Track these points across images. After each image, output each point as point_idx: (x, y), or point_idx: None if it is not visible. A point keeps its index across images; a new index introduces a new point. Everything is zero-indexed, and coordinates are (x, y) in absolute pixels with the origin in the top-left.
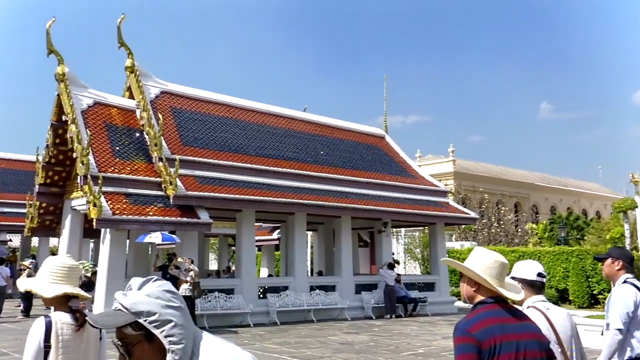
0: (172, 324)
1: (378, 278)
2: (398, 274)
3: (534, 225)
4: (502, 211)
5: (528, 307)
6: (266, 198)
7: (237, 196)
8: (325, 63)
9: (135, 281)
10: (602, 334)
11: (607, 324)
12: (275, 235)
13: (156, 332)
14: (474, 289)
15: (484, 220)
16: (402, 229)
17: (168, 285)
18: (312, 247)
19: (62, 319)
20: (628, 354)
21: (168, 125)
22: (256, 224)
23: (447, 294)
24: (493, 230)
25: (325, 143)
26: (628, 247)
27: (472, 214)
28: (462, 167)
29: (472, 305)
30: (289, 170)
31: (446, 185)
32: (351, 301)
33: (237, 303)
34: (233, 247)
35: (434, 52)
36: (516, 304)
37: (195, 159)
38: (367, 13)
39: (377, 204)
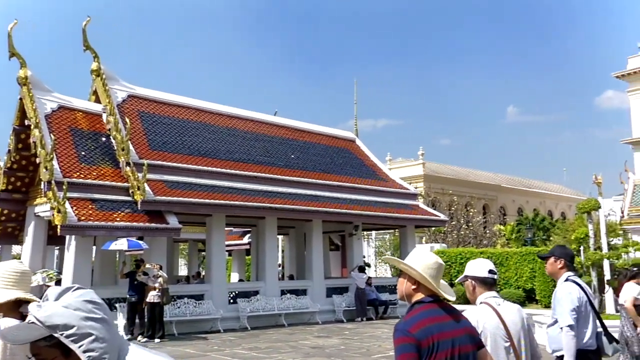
0: (92, 337)
1: (349, 281)
2: (369, 277)
3: (502, 227)
4: (471, 213)
5: (480, 302)
6: (236, 202)
7: (206, 201)
8: (296, 67)
9: (53, 291)
10: (547, 328)
11: (555, 320)
12: (245, 239)
13: (73, 347)
14: (413, 287)
15: (454, 222)
16: (373, 232)
17: (90, 294)
18: (283, 251)
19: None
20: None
21: (135, 130)
22: (226, 228)
23: None
24: (462, 232)
25: (296, 147)
26: (592, 248)
27: (442, 216)
28: (432, 170)
29: (410, 304)
30: (259, 174)
31: (416, 188)
32: (322, 305)
33: (207, 309)
34: (203, 252)
35: (404, 56)
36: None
37: (164, 163)
38: (337, 16)
39: (348, 207)
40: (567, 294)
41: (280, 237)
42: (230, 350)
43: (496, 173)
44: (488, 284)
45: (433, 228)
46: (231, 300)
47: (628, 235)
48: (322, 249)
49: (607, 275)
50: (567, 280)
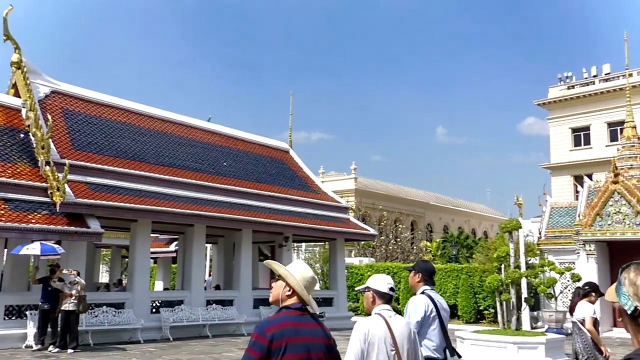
0: None
1: None
2: None
3: (428, 243)
4: (400, 229)
5: (375, 313)
6: (163, 208)
7: (131, 205)
8: (233, 76)
9: None
10: None
11: None
12: (172, 247)
13: None
14: (288, 293)
15: (382, 237)
16: (303, 244)
17: None
18: (211, 260)
19: None
20: None
21: (58, 127)
22: (152, 235)
23: (345, 309)
24: (390, 247)
25: (229, 154)
26: (512, 266)
27: (372, 231)
28: (363, 184)
29: (278, 308)
30: (189, 180)
31: (348, 201)
32: (249, 316)
33: (126, 318)
34: (127, 259)
35: (340, 71)
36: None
37: (87, 164)
38: (277, 25)
39: (279, 217)
40: (414, 305)
41: (208, 245)
42: None
43: (425, 191)
44: (386, 298)
45: (362, 242)
46: (154, 310)
47: (544, 255)
48: (251, 260)
49: (525, 293)
50: (422, 293)
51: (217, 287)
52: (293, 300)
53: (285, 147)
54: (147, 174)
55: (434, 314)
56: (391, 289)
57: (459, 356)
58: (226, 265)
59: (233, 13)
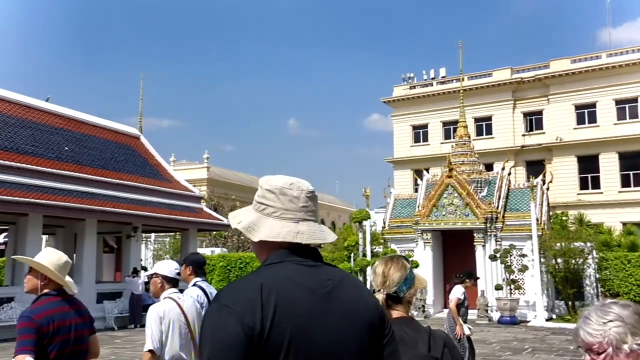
0: None
1: (123, 286)
2: (146, 282)
3: None
4: None
5: (165, 297)
6: None
7: None
8: (79, 52)
9: None
10: None
11: None
12: (1, 238)
13: None
14: (43, 282)
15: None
16: (153, 234)
17: None
18: None
19: None
20: None
21: None
22: None
23: None
24: (242, 237)
25: (71, 138)
26: (361, 254)
27: (225, 221)
28: (216, 174)
29: (37, 296)
30: (23, 165)
31: (200, 191)
32: (92, 312)
33: None
34: None
35: (191, 58)
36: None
37: None
38: (131, 6)
39: (128, 207)
40: (188, 297)
41: (44, 237)
42: None
43: None
44: (173, 282)
45: (214, 232)
46: None
47: (388, 244)
48: (95, 251)
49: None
50: (194, 285)
51: None
52: (50, 287)
53: (136, 133)
54: None
55: (205, 303)
56: (178, 273)
57: None
58: None
59: None
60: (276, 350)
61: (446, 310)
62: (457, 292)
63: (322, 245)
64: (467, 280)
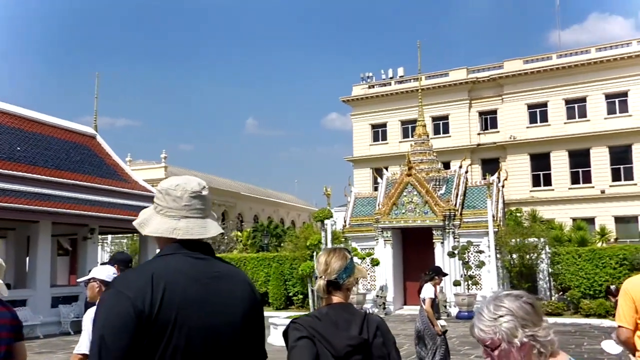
0: None
1: (79, 289)
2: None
3: (239, 233)
4: None
5: None
6: None
7: None
8: (30, 55)
9: None
10: None
11: None
12: None
13: None
14: None
15: None
16: (109, 236)
17: None
18: None
19: None
20: None
21: None
22: None
23: None
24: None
25: (23, 138)
26: None
27: None
28: (174, 173)
29: None
30: None
31: None
32: (46, 316)
33: None
34: None
35: (147, 56)
36: None
37: None
38: (82, 7)
39: (84, 208)
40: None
41: None
42: None
43: (236, 181)
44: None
45: None
46: None
47: (348, 242)
48: (49, 254)
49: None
50: None
51: (8, 286)
52: None
53: (92, 133)
54: None
55: None
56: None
57: None
58: (18, 262)
59: None
60: (162, 330)
61: (407, 307)
62: (429, 291)
63: (283, 243)
64: (436, 277)
